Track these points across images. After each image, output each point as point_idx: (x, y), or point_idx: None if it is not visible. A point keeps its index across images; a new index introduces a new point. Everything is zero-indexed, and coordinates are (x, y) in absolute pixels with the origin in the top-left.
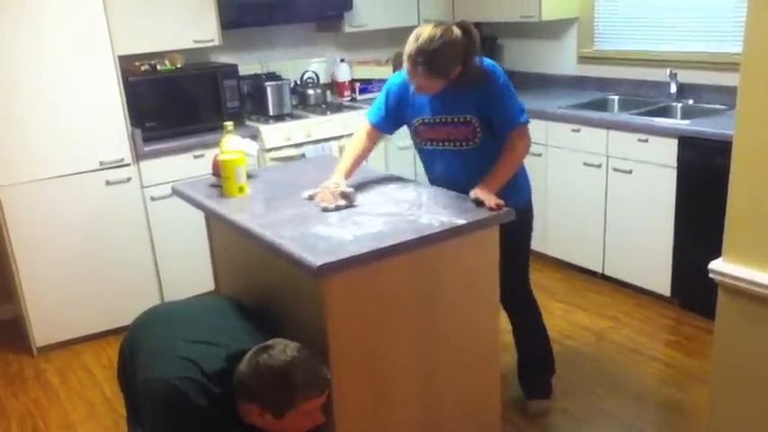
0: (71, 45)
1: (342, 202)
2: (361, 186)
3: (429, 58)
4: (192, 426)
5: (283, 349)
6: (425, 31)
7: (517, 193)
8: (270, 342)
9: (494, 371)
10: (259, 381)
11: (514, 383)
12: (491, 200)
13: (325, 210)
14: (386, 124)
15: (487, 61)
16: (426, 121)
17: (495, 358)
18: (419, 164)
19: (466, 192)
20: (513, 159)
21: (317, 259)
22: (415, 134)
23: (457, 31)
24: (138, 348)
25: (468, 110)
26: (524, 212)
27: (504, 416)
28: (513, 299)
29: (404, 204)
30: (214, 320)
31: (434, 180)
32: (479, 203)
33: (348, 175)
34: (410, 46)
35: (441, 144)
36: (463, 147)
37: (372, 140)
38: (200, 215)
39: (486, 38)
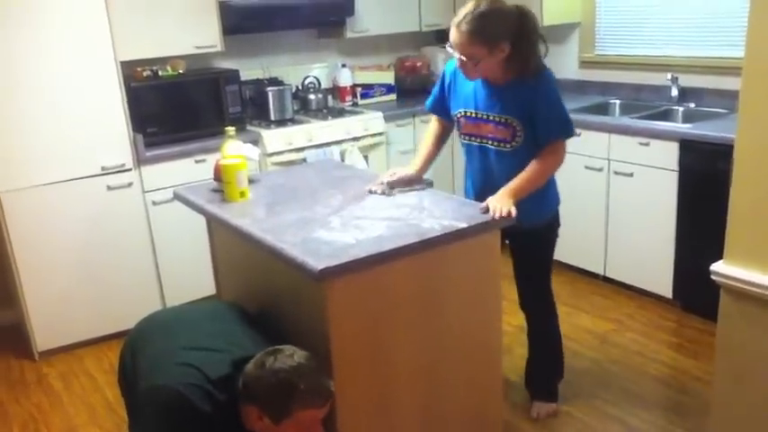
0: (73, 50)
1: (379, 189)
2: (363, 190)
3: (474, 18)
4: None
5: (291, 355)
6: (475, 1)
7: (546, 207)
8: (280, 347)
9: (496, 374)
10: (262, 382)
11: (520, 386)
12: (496, 209)
13: (370, 192)
14: (442, 111)
15: (547, 69)
16: (468, 114)
17: (498, 362)
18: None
19: (492, 190)
20: (539, 172)
21: (318, 263)
22: (456, 125)
23: (512, 8)
24: (140, 354)
25: (511, 111)
26: (550, 225)
27: (506, 418)
28: (533, 301)
29: (406, 208)
30: (217, 326)
31: (470, 175)
32: (487, 212)
33: (423, 165)
34: (458, 14)
35: (478, 140)
36: (500, 147)
37: (443, 130)
38: (202, 220)
39: None
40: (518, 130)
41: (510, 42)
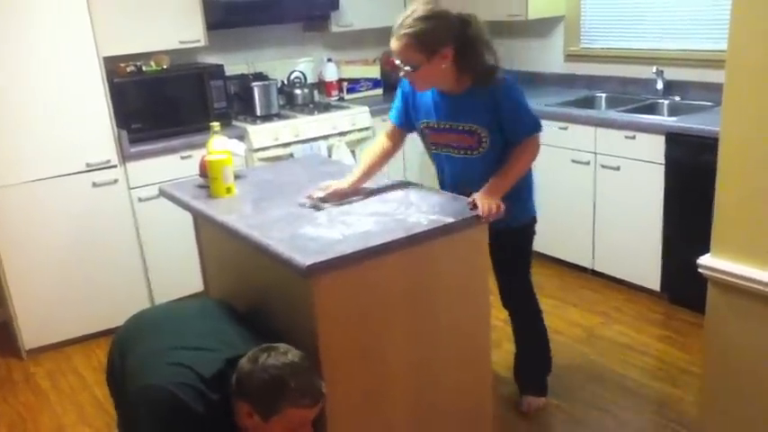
0: (55, 46)
1: (323, 204)
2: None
3: (410, 24)
4: None
5: (285, 352)
6: (413, 6)
7: (522, 206)
8: (275, 344)
9: (486, 368)
10: (254, 378)
11: (509, 380)
12: (485, 205)
13: (300, 205)
14: (406, 122)
15: (500, 70)
16: (431, 125)
17: (487, 355)
18: (407, 163)
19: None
20: (520, 167)
21: (305, 259)
22: (421, 136)
23: (453, 15)
24: (129, 353)
25: (475, 119)
26: (529, 226)
27: (497, 413)
28: (514, 298)
29: (393, 203)
30: (207, 324)
31: (443, 183)
32: (474, 207)
33: (361, 179)
34: (397, 21)
35: (444, 149)
36: (467, 155)
37: (394, 139)
38: (189, 216)
39: None
40: (483, 136)
41: (452, 49)
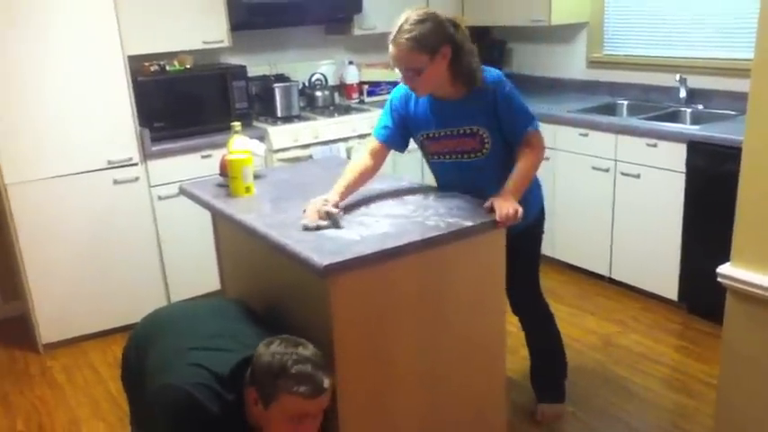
0: (81, 45)
1: (324, 222)
2: (368, 187)
3: (409, 28)
4: None
5: (298, 344)
6: (404, 14)
7: (534, 203)
8: (297, 338)
9: (500, 373)
10: (260, 361)
11: (525, 388)
12: (502, 209)
13: (305, 228)
14: (395, 139)
15: (492, 70)
16: (431, 135)
17: (502, 360)
18: (425, 166)
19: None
20: (529, 167)
21: (323, 259)
22: (421, 148)
23: (443, 17)
24: (147, 352)
25: (474, 120)
26: (534, 227)
27: (511, 421)
28: (523, 304)
29: (410, 206)
30: (224, 324)
31: (445, 188)
32: (491, 211)
33: (344, 194)
34: (393, 30)
35: (448, 157)
36: (471, 158)
37: (377, 158)
38: (207, 215)
39: (496, 42)
40: (485, 137)
41: (450, 47)
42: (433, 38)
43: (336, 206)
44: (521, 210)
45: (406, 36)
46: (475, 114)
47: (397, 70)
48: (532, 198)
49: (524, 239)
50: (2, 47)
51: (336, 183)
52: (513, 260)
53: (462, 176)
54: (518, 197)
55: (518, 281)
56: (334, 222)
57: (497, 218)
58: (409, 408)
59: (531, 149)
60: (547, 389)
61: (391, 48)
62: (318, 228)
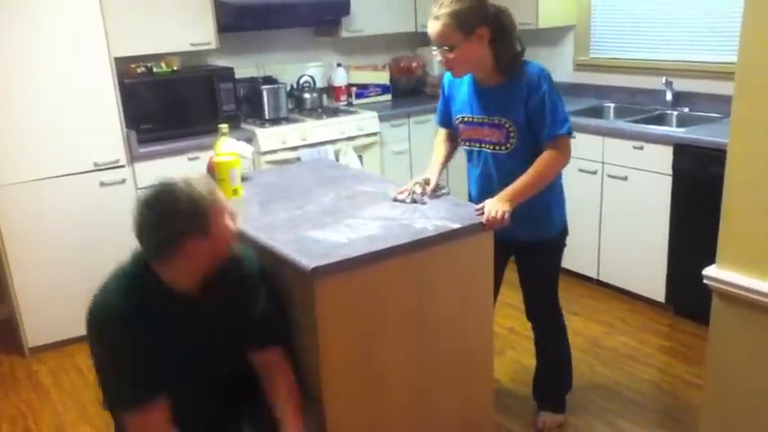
0: (67, 46)
1: (409, 199)
2: (356, 189)
3: (450, 5)
4: (123, 333)
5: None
6: None
7: (550, 219)
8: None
9: (487, 375)
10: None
11: (511, 390)
12: (491, 212)
13: (394, 200)
14: (450, 123)
15: (535, 64)
16: (465, 119)
17: (489, 363)
18: (415, 168)
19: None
20: (540, 173)
21: (310, 262)
22: (456, 132)
23: (488, 2)
24: None
25: (503, 112)
26: (558, 240)
27: (498, 422)
28: (541, 312)
29: (399, 208)
30: None
31: (473, 180)
32: (482, 213)
33: (440, 169)
34: (432, 8)
35: (476, 145)
36: (497, 151)
37: (452, 140)
38: None
39: None
40: (510, 131)
41: (488, 29)
42: (471, 16)
43: (436, 187)
44: (508, 214)
45: (444, 11)
46: (506, 105)
47: (434, 51)
48: (554, 217)
49: (544, 250)
50: None
51: (431, 161)
52: (530, 269)
53: (484, 168)
54: (516, 202)
55: (534, 290)
56: (420, 200)
57: (483, 220)
58: (398, 408)
59: (550, 154)
60: (550, 399)
61: (430, 23)
62: (404, 201)
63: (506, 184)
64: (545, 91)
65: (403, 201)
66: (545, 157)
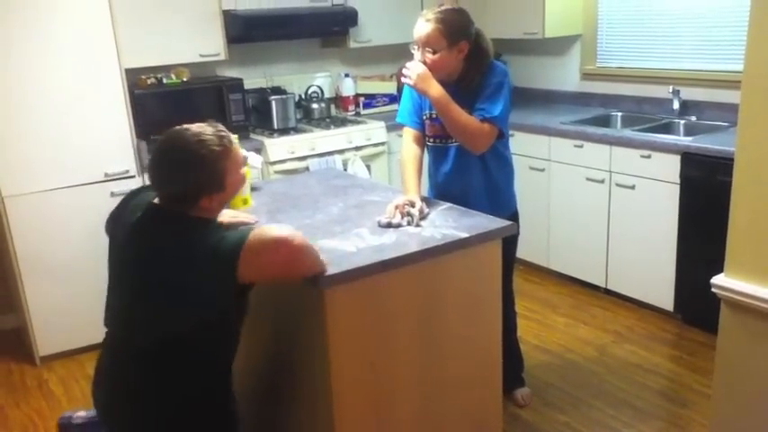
0: (78, 57)
1: (404, 221)
2: (363, 198)
3: (441, 12)
4: None
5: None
6: (442, 2)
7: (500, 200)
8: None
9: (496, 384)
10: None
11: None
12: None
13: (388, 225)
14: (418, 120)
15: (499, 65)
16: (432, 115)
17: (498, 372)
18: (422, 178)
19: (460, 191)
20: (462, 121)
21: None
22: (422, 131)
23: (472, 19)
24: None
25: (470, 106)
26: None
27: (506, 430)
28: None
29: (407, 217)
30: None
31: (434, 177)
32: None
33: (419, 191)
34: (423, 12)
35: (441, 141)
36: (456, 143)
37: (420, 142)
38: None
39: None
40: None
41: (468, 45)
42: (458, 29)
43: (421, 210)
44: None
45: (436, 16)
46: (469, 99)
47: (414, 49)
48: (505, 198)
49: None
50: (0, 60)
51: (406, 183)
52: None
53: (449, 166)
54: (435, 97)
55: None
56: (414, 222)
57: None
58: (406, 416)
59: (475, 128)
60: (516, 377)
61: (418, 23)
62: (399, 225)
63: (475, 179)
64: (496, 81)
65: (399, 225)
66: (478, 125)
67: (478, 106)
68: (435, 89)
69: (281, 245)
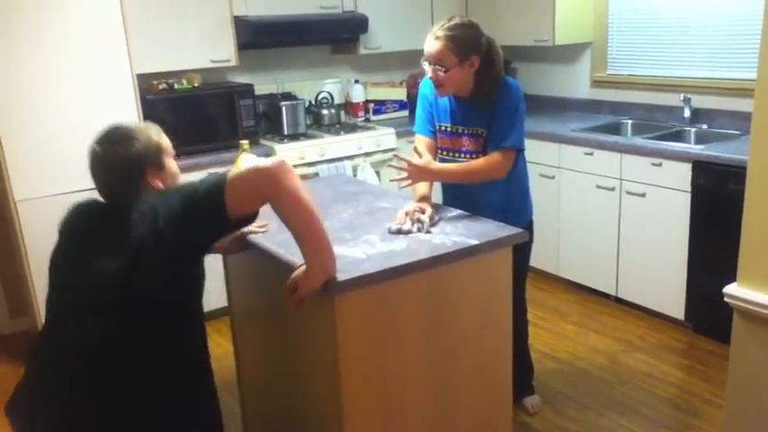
0: (91, 63)
1: (415, 228)
2: (373, 205)
3: (450, 28)
4: None
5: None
6: (451, 16)
7: (515, 214)
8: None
9: (506, 392)
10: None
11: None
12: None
13: (398, 232)
14: (433, 131)
15: (512, 82)
16: (444, 128)
17: (508, 380)
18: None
19: (472, 202)
20: (473, 170)
21: None
22: (435, 140)
23: (483, 32)
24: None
25: (481, 123)
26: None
27: None
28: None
29: (417, 223)
30: None
31: (445, 191)
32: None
33: (430, 198)
34: (434, 26)
35: (452, 154)
36: (472, 159)
37: (432, 151)
38: None
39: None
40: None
41: (479, 58)
42: (468, 44)
43: (431, 217)
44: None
45: (446, 33)
46: (482, 117)
47: (425, 65)
48: (519, 211)
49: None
50: (13, 65)
51: (417, 189)
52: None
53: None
54: (437, 177)
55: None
56: (425, 228)
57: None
58: (415, 424)
59: (490, 161)
60: (526, 385)
61: (428, 39)
62: (409, 232)
63: (478, 192)
64: (510, 104)
65: (409, 231)
66: (486, 158)
67: (493, 137)
68: (434, 173)
69: (260, 167)
